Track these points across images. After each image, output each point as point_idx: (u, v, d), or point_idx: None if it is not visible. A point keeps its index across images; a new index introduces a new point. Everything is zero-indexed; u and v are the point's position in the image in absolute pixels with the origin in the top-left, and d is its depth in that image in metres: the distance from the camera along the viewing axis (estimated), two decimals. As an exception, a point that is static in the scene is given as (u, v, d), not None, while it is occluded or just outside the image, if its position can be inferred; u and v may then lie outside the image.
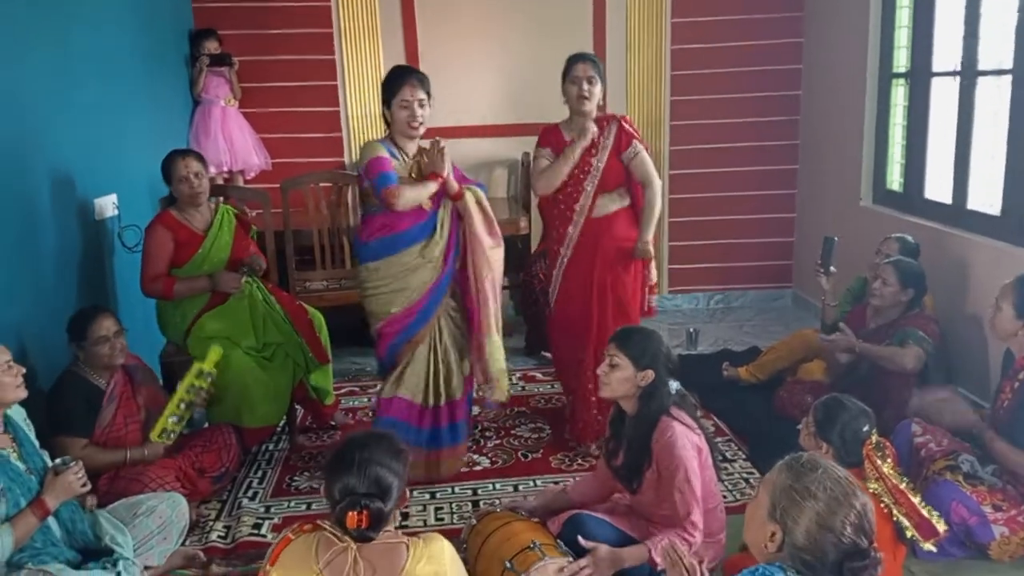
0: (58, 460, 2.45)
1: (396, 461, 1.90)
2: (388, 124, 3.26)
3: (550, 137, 3.60)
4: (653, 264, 3.70)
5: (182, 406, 3.07)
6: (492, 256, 3.29)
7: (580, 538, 2.44)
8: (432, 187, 3.16)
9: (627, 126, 3.56)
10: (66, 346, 2.98)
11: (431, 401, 3.31)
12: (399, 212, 3.13)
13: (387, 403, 3.28)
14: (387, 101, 3.18)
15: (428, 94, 3.19)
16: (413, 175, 3.21)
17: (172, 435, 3.06)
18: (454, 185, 3.22)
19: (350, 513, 1.81)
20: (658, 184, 3.58)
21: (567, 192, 3.54)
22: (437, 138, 3.22)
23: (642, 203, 3.58)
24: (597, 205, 3.52)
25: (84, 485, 2.42)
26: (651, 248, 3.57)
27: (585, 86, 3.43)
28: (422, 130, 3.21)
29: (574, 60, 3.50)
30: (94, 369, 2.96)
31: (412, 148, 3.25)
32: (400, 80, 3.16)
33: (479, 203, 3.29)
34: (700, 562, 1.91)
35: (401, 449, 1.95)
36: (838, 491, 1.57)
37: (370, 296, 3.26)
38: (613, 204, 3.55)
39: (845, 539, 1.54)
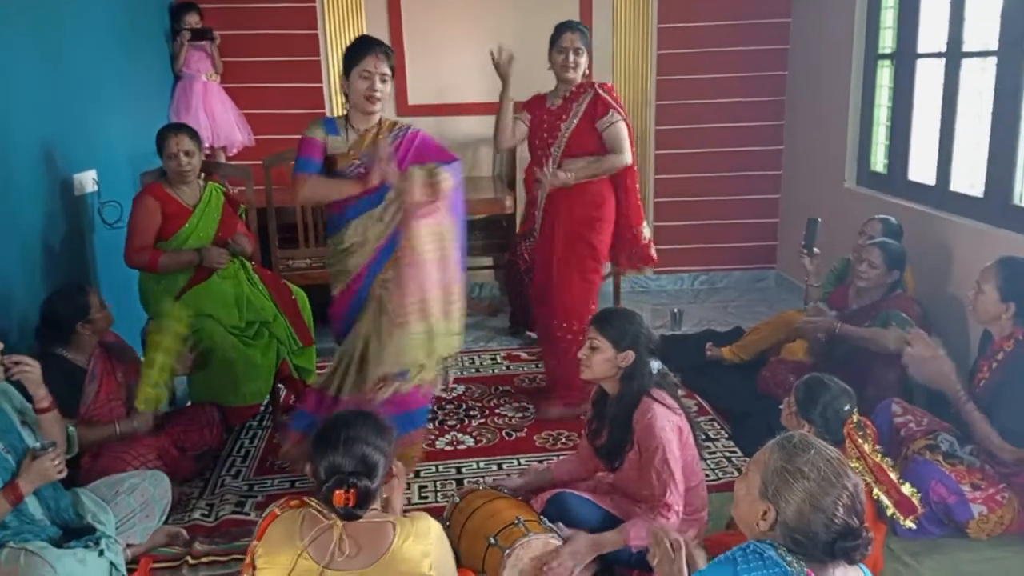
0: (37, 444, 2.41)
1: (381, 439, 1.90)
2: (346, 96, 3.03)
3: (531, 103, 3.68)
4: (646, 225, 3.77)
5: (160, 370, 3.00)
6: (417, 231, 2.86)
7: (560, 525, 2.46)
8: (350, 189, 2.90)
9: (604, 94, 3.56)
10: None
11: (344, 391, 2.98)
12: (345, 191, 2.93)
13: (308, 393, 3.16)
14: (347, 70, 2.96)
15: (391, 70, 2.97)
16: (354, 153, 2.97)
17: (158, 403, 3.01)
18: (391, 174, 2.90)
19: (337, 492, 1.81)
20: (625, 158, 3.56)
21: (536, 156, 3.64)
22: (387, 149, 2.95)
23: (627, 181, 3.65)
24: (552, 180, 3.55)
25: (60, 472, 2.39)
26: (564, 177, 3.47)
27: (571, 56, 3.49)
28: (379, 106, 2.99)
29: (562, 29, 3.53)
30: (76, 349, 2.93)
31: (366, 123, 3.01)
32: (364, 50, 2.95)
33: (429, 176, 2.86)
34: (685, 539, 1.92)
35: (386, 427, 1.95)
36: (830, 472, 1.58)
37: (328, 269, 3.13)
38: (584, 173, 3.55)
39: (837, 519, 1.55)
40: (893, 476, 2.38)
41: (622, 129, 3.55)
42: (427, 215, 2.87)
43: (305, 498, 1.93)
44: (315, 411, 3.01)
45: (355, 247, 2.98)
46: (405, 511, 1.99)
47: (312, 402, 3.06)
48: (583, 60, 3.50)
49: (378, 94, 2.95)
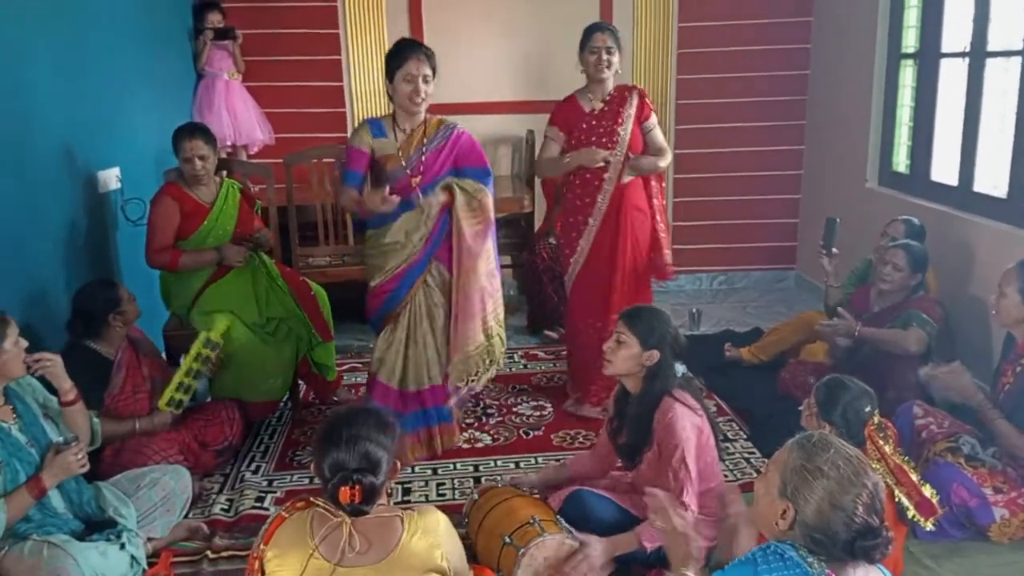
0: (60, 438, 2.44)
1: (384, 435, 1.91)
2: (391, 98, 3.18)
3: (563, 112, 3.61)
4: (667, 243, 3.74)
5: (190, 375, 3.09)
6: (483, 275, 3.19)
7: (573, 532, 2.45)
8: (375, 207, 3.01)
9: (646, 98, 3.63)
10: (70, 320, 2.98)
11: (411, 385, 3.26)
12: (395, 187, 3.05)
13: (372, 383, 3.30)
14: (391, 74, 3.10)
15: (433, 70, 3.10)
16: (402, 155, 3.11)
17: (181, 404, 3.09)
18: (435, 203, 3.11)
19: (342, 488, 1.82)
20: (670, 156, 3.69)
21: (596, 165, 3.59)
22: (426, 202, 3.09)
23: (655, 177, 3.69)
24: (624, 173, 3.57)
25: (83, 466, 2.42)
26: (642, 163, 3.56)
27: (604, 56, 3.48)
28: (424, 106, 3.13)
29: (592, 30, 3.53)
30: (106, 341, 2.97)
31: (412, 123, 3.16)
32: (406, 53, 3.07)
33: (471, 209, 3.15)
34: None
35: (389, 423, 1.96)
36: (849, 470, 1.57)
37: (365, 260, 3.29)
38: (633, 172, 3.60)
39: (857, 518, 1.54)
40: (914, 478, 2.36)
41: (660, 133, 3.68)
42: (478, 250, 3.15)
43: (311, 499, 1.94)
44: (384, 402, 3.20)
45: (398, 247, 3.14)
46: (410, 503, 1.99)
47: (379, 395, 3.25)
48: (616, 59, 3.51)
49: (421, 96, 3.07)
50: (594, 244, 3.64)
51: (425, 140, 3.15)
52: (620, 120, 3.53)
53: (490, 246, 3.23)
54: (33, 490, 2.33)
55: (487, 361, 3.26)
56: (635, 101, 3.55)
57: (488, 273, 3.22)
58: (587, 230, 3.63)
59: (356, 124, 5.28)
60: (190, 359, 3.10)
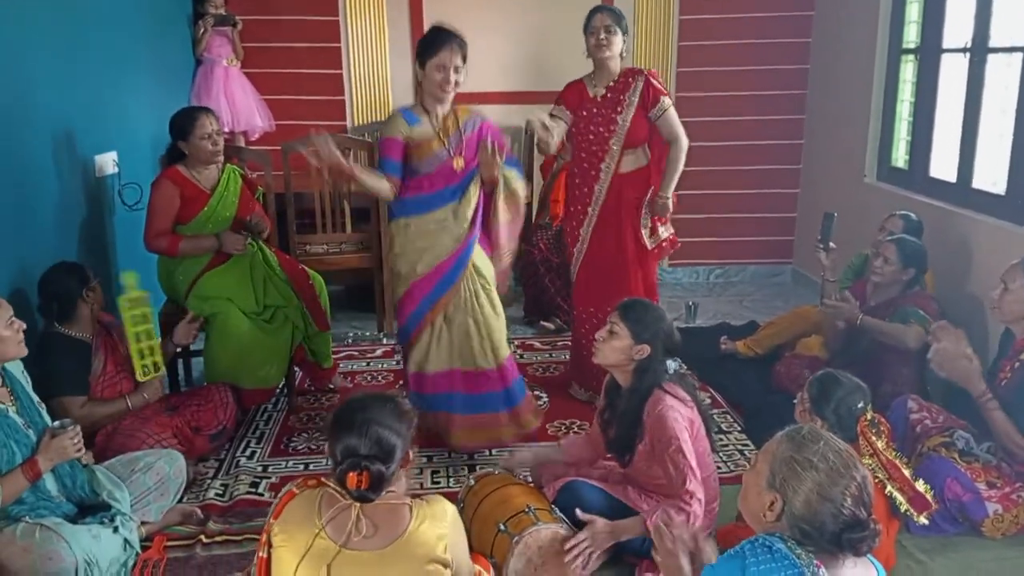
0: (56, 423, 2.44)
1: (399, 422, 1.89)
2: (419, 84, 3.20)
3: (570, 92, 3.57)
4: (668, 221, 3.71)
5: (139, 340, 3.00)
6: (505, 252, 3.33)
7: (578, 511, 2.45)
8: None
9: (654, 81, 3.53)
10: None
11: (481, 364, 3.23)
12: (433, 173, 3.14)
13: (418, 378, 3.26)
14: (423, 62, 3.10)
15: (464, 59, 3.12)
16: (443, 137, 3.15)
17: (157, 366, 3.03)
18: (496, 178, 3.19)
19: (350, 474, 1.81)
20: (684, 142, 3.57)
21: (591, 151, 3.56)
22: (489, 142, 3.11)
23: (663, 162, 3.59)
24: (623, 163, 3.54)
25: (79, 450, 2.42)
26: (671, 204, 3.56)
27: (602, 35, 3.43)
28: (453, 94, 3.15)
29: (592, 12, 3.50)
30: (79, 324, 2.92)
31: (443, 110, 3.19)
32: (440, 42, 3.07)
33: (510, 191, 3.24)
34: (693, 535, 1.92)
35: (405, 411, 1.94)
36: (839, 463, 1.58)
37: (398, 255, 3.22)
38: (637, 161, 3.57)
39: (845, 510, 1.55)
40: (907, 473, 2.36)
41: (674, 113, 3.55)
42: (513, 232, 3.28)
43: (323, 478, 1.93)
44: (446, 390, 3.23)
45: (447, 222, 3.16)
46: (416, 494, 1.99)
47: (414, 382, 3.27)
48: (616, 39, 3.44)
49: (451, 85, 3.10)
50: (594, 233, 3.62)
51: (460, 125, 3.20)
52: (620, 108, 3.49)
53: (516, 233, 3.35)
54: (28, 472, 2.33)
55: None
56: (639, 86, 3.48)
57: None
58: (587, 219, 3.62)
59: (357, 112, 5.33)
60: (128, 326, 3.00)
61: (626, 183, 3.57)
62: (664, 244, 3.70)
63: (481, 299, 3.22)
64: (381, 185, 3.13)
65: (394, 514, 1.88)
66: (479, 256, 3.24)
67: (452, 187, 3.17)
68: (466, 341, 3.21)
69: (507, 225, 3.28)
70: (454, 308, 3.20)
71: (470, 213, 3.19)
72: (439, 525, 1.90)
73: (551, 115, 3.54)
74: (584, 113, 3.55)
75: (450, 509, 1.96)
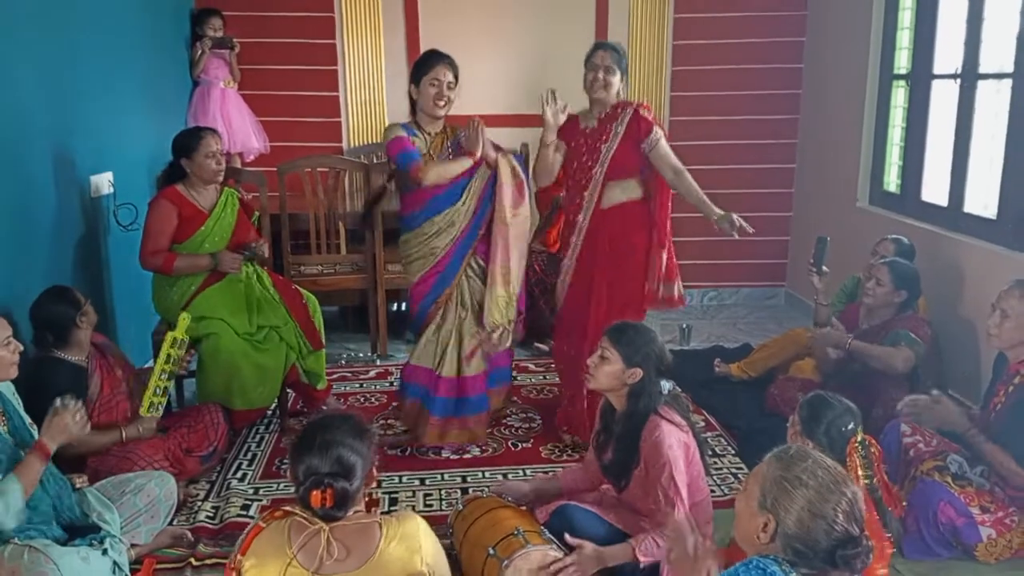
0: (57, 401, 2.43)
1: (359, 441, 1.90)
2: (412, 103, 3.36)
3: (565, 129, 3.47)
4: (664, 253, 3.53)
5: (163, 377, 3.06)
6: (510, 218, 3.33)
7: (567, 536, 2.43)
8: (465, 163, 3.29)
9: (645, 113, 3.43)
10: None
11: (454, 371, 3.37)
12: (423, 187, 3.26)
13: (411, 370, 3.43)
14: (417, 80, 3.29)
15: (457, 79, 3.32)
16: (433, 155, 3.32)
17: (160, 407, 3.07)
18: (492, 156, 3.32)
19: (314, 492, 1.82)
20: (684, 170, 3.43)
21: (576, 179, 3.48)
22: (476, 119, 3.32)
23: (661, 198, 3.48)
24: (605, 194, 3.42)
25: (84, 427, 2.43)
26: (733, 216, 3.31)
27: (601, 75, 3.37)
28: (446, 111, 3.32)
29: (596, 47, 3.47)
30: (75, 348, 2.91)
31: (434, 128, 3.36)
32: (433, 60, 3.30)
33: (513, 169, 3.34)
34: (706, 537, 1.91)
35: (366, 429, 1.96)
36: (828, 479, 1.58)
37: (406, 265, 3.44)
38: (624, 194, 3.43)
39: (837, 526, 1.55)
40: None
41: (666, 148, 3.42)
42: (517, 201, 3.32)
43: (289, 508, 1.93)
44: (425, 384, 3.40)
45: (443, 228, 3.32)
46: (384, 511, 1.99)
47: (421, 376, 3.41)
48: (615, 79, 3.38)
49: (445, 99, 3.29)
50: (577, 264, 3.52)
51: (448, 143, 3.36)
52: (606, 137, 3.40)
53: (527, 214, 3.37)
54: (39, 453, 2.34)
55: (501, 316, 3.36)
56: (627, 117, 3.39)
57: (519, 229, 3.35)
58: (571, 249, 3.53)
59: (353, 134, 5.37)
60: (161, 361, 3.06)
61: (610, 221, 3.43)
62: (668, 298, 3.57)
63: (470, 308, 3.39)
64: (460, 164, 3.29)
65: (364, 534, 1.88)
66: (474, 264, 3.39)
67: (444, 193, 3.29)
68: (453, 341, 3.38)
69: (506, 202, 3.30)
70: (451, 314, 3.38)
71: (462, 216, 3.31)
72: (411, 540, 1.90)
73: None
74: (574, 145, 3.48)
75: (421, 523, 1.97)
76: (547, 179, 3.55)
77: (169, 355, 3.09)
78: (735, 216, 3.31)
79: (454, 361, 3.38)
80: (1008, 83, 3.59)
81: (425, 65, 3.30)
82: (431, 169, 3.26)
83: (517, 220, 3.34)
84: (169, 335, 3.12)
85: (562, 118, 3.39)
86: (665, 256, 3.52)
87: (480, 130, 3.30)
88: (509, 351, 3.53)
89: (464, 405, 3.41)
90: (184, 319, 3.18)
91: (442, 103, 3.29)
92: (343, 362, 4.57)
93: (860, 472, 2.36)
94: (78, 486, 2.61)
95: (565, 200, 3.66)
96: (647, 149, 3.40)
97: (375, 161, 5.00)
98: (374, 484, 1.99)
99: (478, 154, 3.29)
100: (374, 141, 5.34)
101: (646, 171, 3.47)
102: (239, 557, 1.88)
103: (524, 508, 2.67)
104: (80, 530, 2.48)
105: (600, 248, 3.45)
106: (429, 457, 3.46)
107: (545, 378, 4.37)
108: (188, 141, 3.44)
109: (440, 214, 3.30)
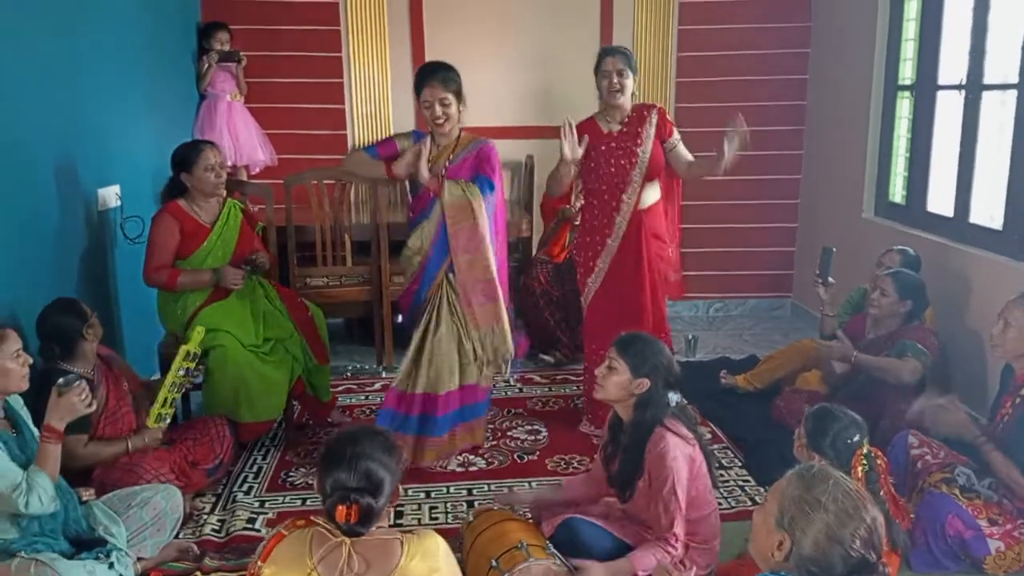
0: (61, 380, 2.43)
1: (389, 457, 1.90)
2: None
3: (581, 133, 3.50)
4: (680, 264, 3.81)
5: (174, 389, 3.07)
6: (463, 262, 3.29)
7: (574, 561, 2.43)
8: (379, 171, 3.34)
9: (667, 116, 3.64)
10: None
11: (417, 388, 3.35)
12: (419, 195, 3.34)
13: (388, 392, 3.44)
14: (417, 96, 3.30)
15: (456, 92, 3.24)
16: (432, 163, 3.29)
17: (167, 419, 3.07)
18: (425, 176, 3.22)
19: (339, 507, 1.81)
20: (691, 156, 3.69)
21: (613, 183, 3.56)
22: (417, 145, 3.23)
23: (672, 195, 3.76)
24: (643, 196, 3.57)
25: (89, 406, 2.44)
26: (729, 134, 3.44)
27: (615, 79, 3.48)
28: (449, 126, 3.28)
29: (604, 54, 3.55)
30: (81, 360, 2.90)
31: (447, 140, 3.33)
32: (422, 80, 3.24)
33: (461, 206, 3.24)
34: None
35: (395, 445, 1.95)
36: (848, 504, 1.56)
37: (404, 271, 3.53)
38: (655, 194, 3.63)
39: (854, 552, 1.53)
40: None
41: (684, 147, 3.67)
42: (467, 249, 3.26)
43: (312, 517, 1.93)
44: (397, 408, 3.36)
45: (416, 251, 3.36)
46: (409, 529, 1.98)
47: (393, 400, 3.38)
48: (628, 82, 3.51)
49: (439, 119, 3.24)
50: (612, 265, 3.62)
51: (452, 156, 3.32)
52: (640, 140, 3.53)
53: (485, 249, 3.28)
54: (50, 435, 2.36)
55: (493, 351, 3.39)
56: (655, 119, 3.56)
57: (476, 279, 3.31)
58: (604, 251, 3.61)
59: (359, 146, 5.39)
60: (173, 373, 3.08)
61: (647, 218, 3.61)
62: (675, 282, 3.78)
63: (444, 327, 3.36)
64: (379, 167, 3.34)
65: (385, 549, 1.87)
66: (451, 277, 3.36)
67: (424, 210, 3.33)
68: (425, 360, 3.37)
69: (455, 233, 3.25)
70: (432, 322, 3.36)
71: (427, 237, 3.32)
72: (431, 559, 1.89)
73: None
74: (603, 148, 3.55)
75: (441, 543, 1.95)
76: (559, 192, 3.69)
77: (182, 367, 3.10)
78: (731, 132, 3.41)
79: (425, 380, 3.35)
80: (1013, 94, 3.58)
81: (417, 85, 3.26)
82: (353, 158, 3.43)
83: (476, 263, 3.28)
84: (183, 348, 3.13)
85: (580, 152, 3.41)
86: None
87: (414, 153, 3.21)
88: (486, 388, 3.52)
89: (430, 422, 3.39)
90: (199, 332, 3.20)
91: (440, 122, 3.24)
92: (348, 374, 4.57)
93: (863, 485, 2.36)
94: (84, 499, 2.61)
95: (591, 200, 3.69)
96: (669, 148, 3.60)
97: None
98: (398, 501, 1.97)
99: (403, 175, 3.29)
100: (380, 153, 5.36)
101: (668, 170, 3.67)
102: (259, 564, 1.88)
103: (531, 521, 2.67)
104: (86, 543, 2.48)
105: (638, 247, 3.59)
106: (435, 470, 3.45)
107: (551, 389, 4.36)
108: (187, 155, 3.45)
109: (418, 227, 3.35)
